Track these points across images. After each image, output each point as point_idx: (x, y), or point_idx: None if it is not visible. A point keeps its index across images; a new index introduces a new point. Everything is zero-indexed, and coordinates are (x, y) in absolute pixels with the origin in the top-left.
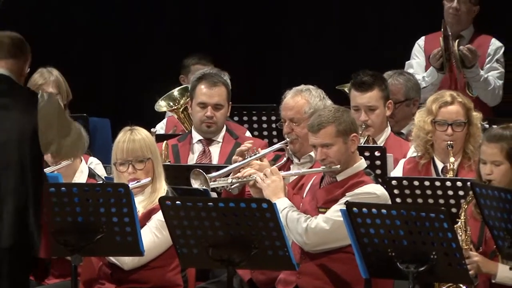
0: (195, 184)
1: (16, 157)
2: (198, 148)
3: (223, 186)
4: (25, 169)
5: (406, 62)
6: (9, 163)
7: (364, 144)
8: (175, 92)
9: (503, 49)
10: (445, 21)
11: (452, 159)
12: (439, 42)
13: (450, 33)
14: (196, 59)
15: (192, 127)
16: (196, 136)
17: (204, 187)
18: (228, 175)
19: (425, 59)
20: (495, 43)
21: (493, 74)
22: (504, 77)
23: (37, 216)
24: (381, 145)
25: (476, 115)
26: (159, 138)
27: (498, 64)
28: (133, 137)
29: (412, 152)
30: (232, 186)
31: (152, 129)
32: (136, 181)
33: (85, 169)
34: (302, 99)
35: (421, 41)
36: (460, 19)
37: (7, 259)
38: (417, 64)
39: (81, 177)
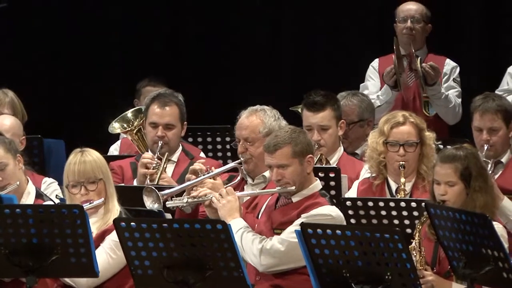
0: (148, 201)
1: None
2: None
3: (178, 206)
4: None
5: (361, 85)
6: None
7: (316, 163)
8: (129, 113)
9: (458, 69)
10: (399, 42)
11: (403, 180)
12: (392, 63)
13: (404, 54)
14: (146, 81)
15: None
16: None
17: (157, 206)
18: (181, 193)
19: (379, 80)
20: (450, 63)
21: (452, 93)
22: None
23: None
24: (334, 164)
25: (429, 135)
26: (113, 159)
27: (455, 83)
28: (84, 158)
29: (364, 172)
30: (187, 206)
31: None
32: (89, 202)
33: (32, 190)
34: (257, 119)
35: (375, 63)
36: (414, 39)
37: None
38: (372, 85)
39: (28, 197)
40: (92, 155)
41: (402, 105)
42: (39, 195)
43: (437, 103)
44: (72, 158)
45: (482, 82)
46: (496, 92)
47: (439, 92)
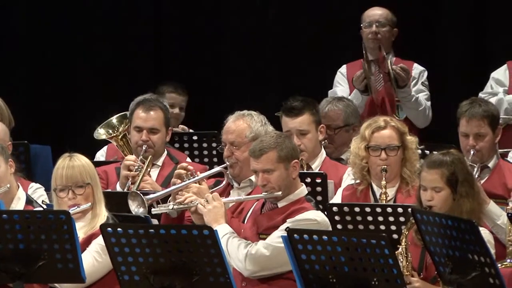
0: (133, 205)
1: None
2: None
3: (164, 212)
4: None
5: (329, 91)
6: None
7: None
8: (114, 119)
9: (426, 73)
10: (366, 48)
11: (383, 183)
12: (359, 69)
13: (371, 59)
14: (172, 87)
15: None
16: None
17: (142, 210)
18: (166, 197)
19: (348, 86)
20: (418, 67)
21: (421, 96)
22: None
23: None
24: (317, 169)
25: (411, 139)
26: (100, 165)
27: (423, 87)
28: (72, 163)
29: (347, 176)
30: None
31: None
32: (76, 207)
33: (22, 196)
34: (244, 123)
35: (342, 69)
36: (381, 43)
37: None
38: (341, 91)
39: (18, 203)
40: (81, 159)
41: (372, 109)
42: (29, 201)
43: (408, 105)
44: (61, 162)
45: (464, 87)
46: (480, 94)
47: (409, 95)
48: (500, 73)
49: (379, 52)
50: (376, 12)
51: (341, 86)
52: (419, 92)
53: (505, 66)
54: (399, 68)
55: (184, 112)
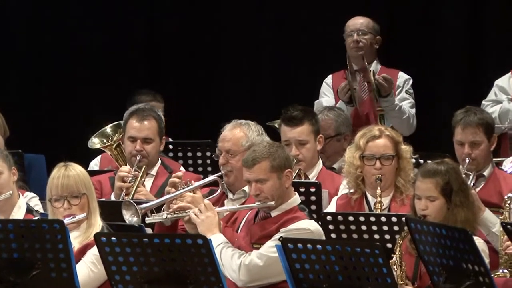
0: (127, 215)
1: None
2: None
3: (158, 221)
4: None
5: (315, 102)
6: None
7: (295, 178)
8: (108, 129)
9: (411, 81)
10: (349, 57)
11: (378, 192)
12: (345, 79)
13: (356, 69)
14: (151, 96)
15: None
16: None
17: (136, 220)
18: (160, 207)
19: (334, 96)
20: (403, 76)
21: (405, 104)
22: None
23: None
24: (313, 179)
25: (405, 149)
26: (93, 174)
27: (407, 95)
28: (68, 173)
29: (343, 187)
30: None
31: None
32: (71, 217)
33: (23, 205)
34: (240, 132)
35: (328, 79)
36: (363, 51)
37: None
38: (327, 102)
39: (19, 212)
40: (76, 169)
41: (357, 120)
42: (29, 210)
43: (392, 114)
44: (56, 172)
45: (458, 96)
46: (483, 102)
47: (392, 104)
48: (504, 81)
49: (362, 62)
50: (357, 21)
51: (326, 96)
52: (403, 100)
53: (509, 74)
54: (382, 78)
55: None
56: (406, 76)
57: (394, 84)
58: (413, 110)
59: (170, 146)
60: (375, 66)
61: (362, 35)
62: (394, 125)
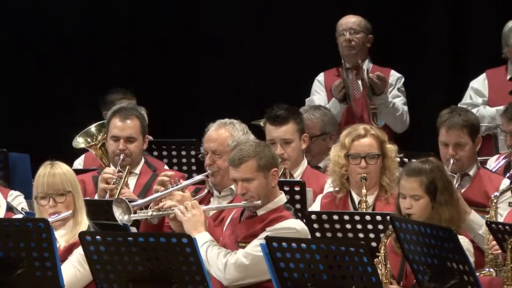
0: (117, 212)
1: None
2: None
3: (143, 219)
4: None
5: (306, 99)
6: None
7: (280, 177)
8: (92, 128)
9: (403, 79)
10: (342, 56)
11: (364, 191)
12: (338, 77)
13: (348, 67)
14: (121, 94)
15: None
16: None
17: (125, 218)
18: (149, 205)
19: (326, 94)
20: (395, 74)
21: (398, 101)
22: None
23: None
24: (298, 178)
25: (391, 148)
26: (77, 173)
27: (399, 92)
28: (53, 171)
29: (328, 186)
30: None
31: None
32: (57, 214)
33: (3, 203)
34: (226, 132)
35: (320, 77)
36: (355, 50)
37: None
38: (319, 99)
39: None
40: (62, 167)
41: (350, 118)
42: (10, 208)
43: (385, 111)
44: (42, 170)
45: (442, 96)
46: (459, 105)
47: (386, 101)
48: (479, 83)
49: (355, 60)
50: (349, 20)
51: (318, 94)
52: (395, 98)
53: (483, 75)
54: (375, 76)
55: None
56: (398, 75)
57: (387, 81)
58: (406, 107)
59: (154, 146)
60: (367, 64)
61: (354, 34)
62: (388, 123)
